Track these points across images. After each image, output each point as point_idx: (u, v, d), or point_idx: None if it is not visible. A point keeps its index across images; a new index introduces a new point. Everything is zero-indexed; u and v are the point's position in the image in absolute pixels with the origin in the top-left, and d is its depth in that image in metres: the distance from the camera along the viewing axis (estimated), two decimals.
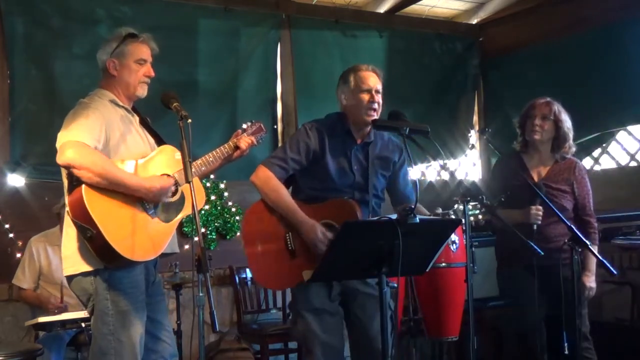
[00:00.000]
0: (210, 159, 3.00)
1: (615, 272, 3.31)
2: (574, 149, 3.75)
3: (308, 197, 3.17)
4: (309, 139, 3.17)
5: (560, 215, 3.30)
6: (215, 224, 4.96)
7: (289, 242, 3.11)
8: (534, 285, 3.46)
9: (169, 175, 2.81)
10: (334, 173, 3.16)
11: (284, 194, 3.14)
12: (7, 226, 4.35)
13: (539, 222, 3.50)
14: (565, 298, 3.27)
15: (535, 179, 3.69)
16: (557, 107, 3.69)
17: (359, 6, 5.72)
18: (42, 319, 3.77)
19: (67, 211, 2.68)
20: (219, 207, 4.97)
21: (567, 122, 3.69)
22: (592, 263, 3.60)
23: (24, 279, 4.13)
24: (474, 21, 6.15)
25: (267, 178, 3.12)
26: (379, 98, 3.19)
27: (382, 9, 5.71)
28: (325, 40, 5.50)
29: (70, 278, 2.76)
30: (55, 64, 4.50)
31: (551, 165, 3.72)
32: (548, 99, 3.73)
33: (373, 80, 3.19)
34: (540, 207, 3.50)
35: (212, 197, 4.98)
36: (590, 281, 3.62)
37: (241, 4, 5.17)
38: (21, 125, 4.43)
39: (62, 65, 4.51)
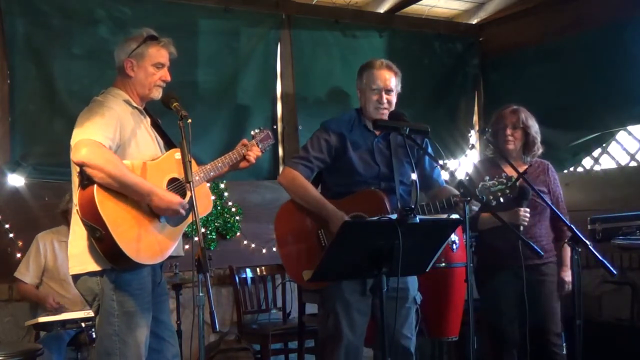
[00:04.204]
0: (219, 164, 2.98)
1: (615, 272, 3.32)
2: (540, 151, 3.86)
3: (336, 194, 3.22)
4: (329, 135, 3.24)
5: (561, 215, 3.32)
6: (215, 224, 4.96)
7: (322, 239, 3.15)
8: (517, 290, 3.52)
9: (177, 180, 2.79)
10: (358, 166, 3.21)
11: (312, 190, 3.20)
12: (7, 226, 4.34)
13: (526, 224, 3.55)
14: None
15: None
16: (524, 114, 3.79)
17: (359, 6, 5.72)
18: (42, 319, 3.78)
19: (77, 210, 2.67)
20: (219, 207, 4.97)
21: (534, 126, 3.80)
22: (567, 258, 3.71)
23: (26, 273, 4.13)
24: (474, 21, 6.15)
25: (293, 177, 3.20)
26: (389, 97, 3.24)
27: (382, 9, 5.71)
28: (325, 40, 5.50)
29: (76, 277, 2.75)
30: (55, 64, 4.49)
31: (525, 168, 3.74)
32: (514, 106, 3.83)
33: (383, 79, 3.23)
34: (528, 209, 3.55)
35: (212, 197, 4.97)
36: (567, 275, 3.72)
37: (241, 4, 5.17)
38: (21, 125, 4.42)
39: (62, 65, 4.50)
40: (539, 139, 3.81)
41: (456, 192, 3.16)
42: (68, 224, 4.10)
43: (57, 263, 4.12)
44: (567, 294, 3.74)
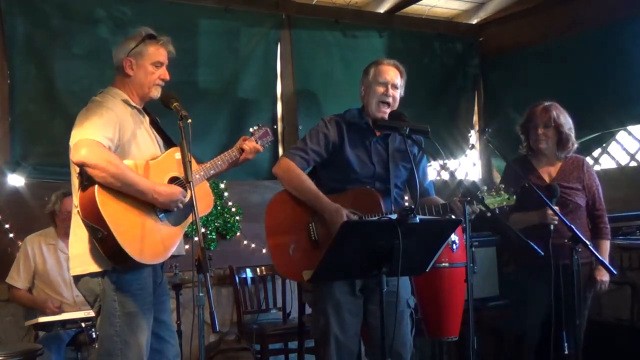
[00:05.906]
0: (219, 162, 2.99)
1: (615, 272, 3.32)
2: (576, 146, 3.79)
3: (330, 189, 3.21)
4: (328, 130, 3.25)
5: (563, 217, 3.30)
6: (215, 224, 4.96)
7: (312, 233, 3.14)
8: (540, 285, 3.48)
9: (177, 179, 2.80)
10: (354, 163, 3.22)
11: (307, 181, 3.19)
12: (7, 226, 4.34)
13: (556, 222, 3.49)
14: (574, 295, 3.27)
15: (547, 180, 3.72)
16: (555, 111, 3.71)
17: (359, 6, 5.72)
18: (42, 319, 3.78)
19: (78, 211, 2.67)
20: (219, 207, 4.97)
21: (567, 123, 3.72)
22: (605, 257, 3.60)
23: (18, 279, 4.10)
24: (474, 21, 6.15)
25: (288, 167, 3.20)
26: (394, 93, 3.25)
27: (382, 9, 5.71)
28: (325, 40, 5.50)
29: (77, 278, 2.75)
30: (55, 64, 4.49)
31: (559, 164, 3.75)
32: (546, 103, 3.76)
33: (391, 74, 3.25)
34: (557, 207, 3.48)
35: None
36: (602, 275, 3.63)
37: (241, 4, 5.17)
38: (21, 125, 4.43)
39: (62, 65, 4.50)
40: (573, 135, 3.73)
41: (443, 202, 3.18)
42: (55, 225, 4.12)
43: (47, 266, 4.10)
44: (599, 292, 3.68)
